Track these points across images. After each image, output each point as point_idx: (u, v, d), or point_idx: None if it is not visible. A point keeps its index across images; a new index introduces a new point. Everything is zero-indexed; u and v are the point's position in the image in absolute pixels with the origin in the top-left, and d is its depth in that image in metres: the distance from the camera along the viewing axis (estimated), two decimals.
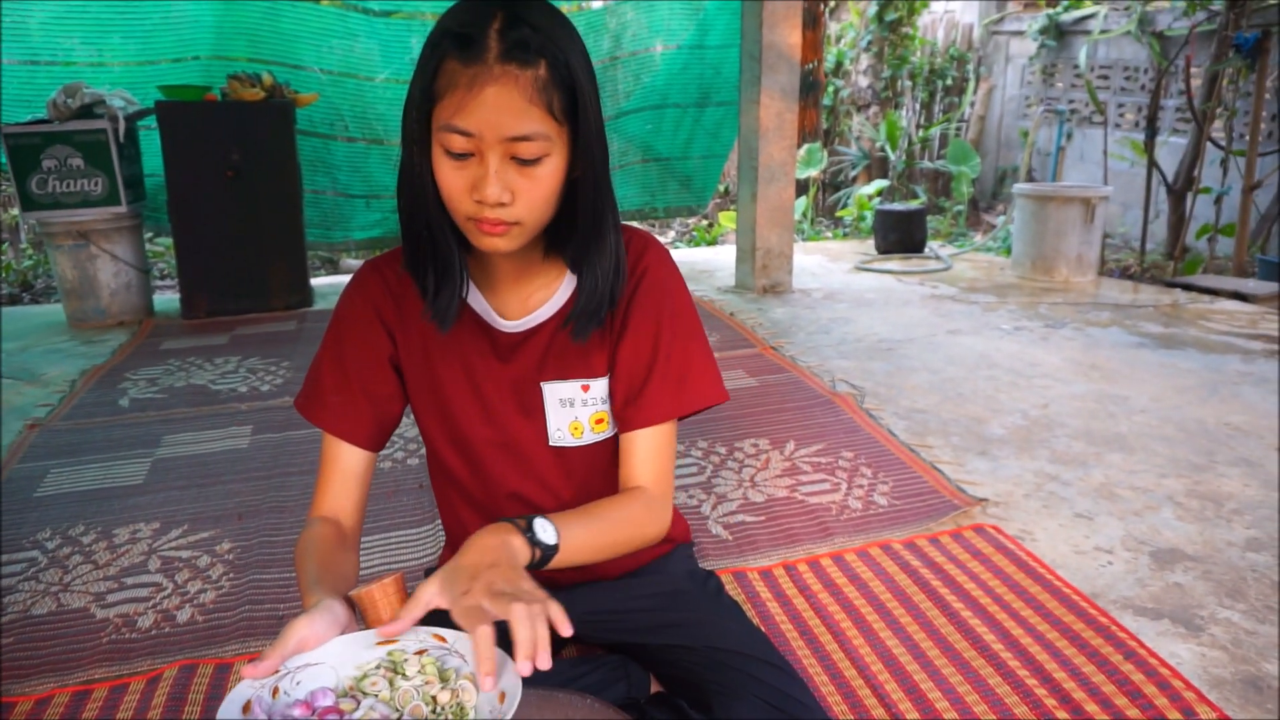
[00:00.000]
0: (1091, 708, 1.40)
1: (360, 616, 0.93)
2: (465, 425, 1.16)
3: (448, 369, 1.14)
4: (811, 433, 2.53)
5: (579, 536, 0.97)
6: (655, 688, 1.29)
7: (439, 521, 2.06)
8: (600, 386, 1.13)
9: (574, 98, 0.92)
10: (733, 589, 1.77)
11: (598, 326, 1.08)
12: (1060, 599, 1.70)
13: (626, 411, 1.10)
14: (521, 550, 0.89)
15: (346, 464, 1.14)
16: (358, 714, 0.78)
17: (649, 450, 1.09)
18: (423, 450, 2.45)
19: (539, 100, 0.89)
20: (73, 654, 1.61)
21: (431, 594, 0.85)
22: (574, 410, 1.14)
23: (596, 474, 1.19)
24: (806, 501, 2.13)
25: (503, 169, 0.91)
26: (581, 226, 1.01)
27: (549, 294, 1.12)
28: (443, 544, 1.91)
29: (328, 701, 0.79)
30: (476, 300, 1.12)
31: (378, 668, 0.84)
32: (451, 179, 0.93)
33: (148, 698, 1.49)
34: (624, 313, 1.10)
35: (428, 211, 0.98)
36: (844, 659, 1.56)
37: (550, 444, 1.16)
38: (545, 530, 0.93)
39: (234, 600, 1.77)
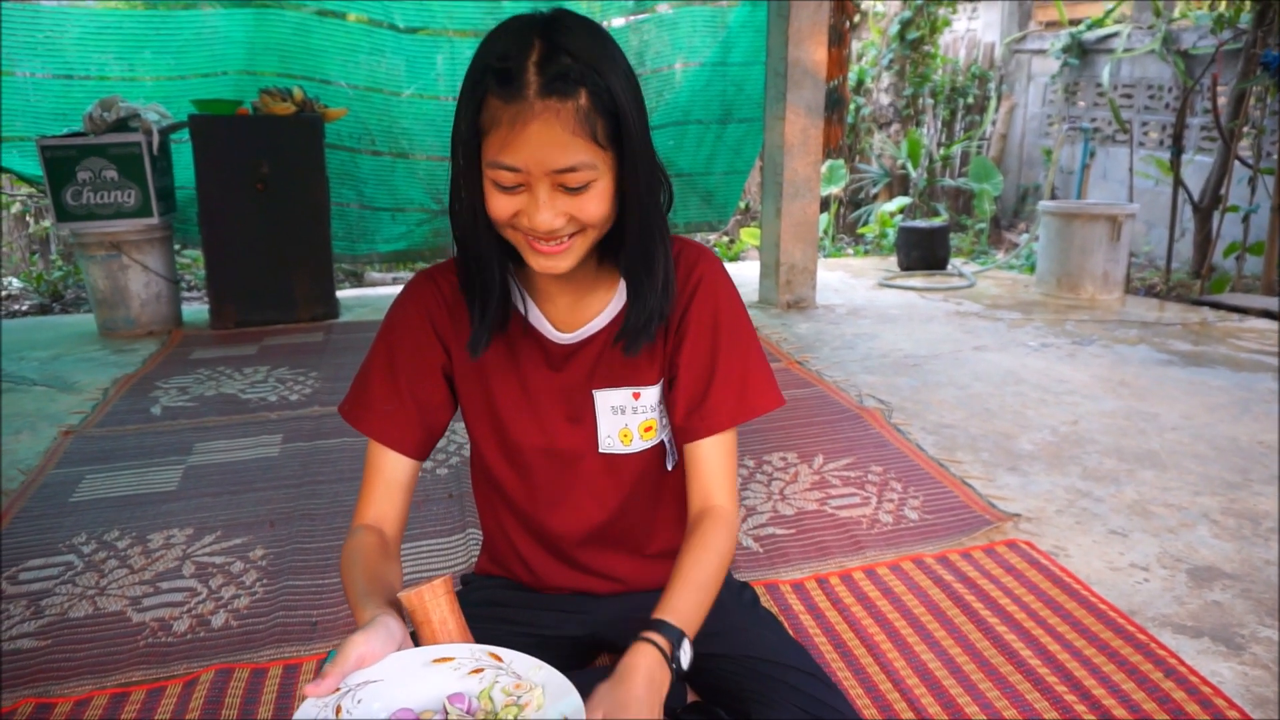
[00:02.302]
0: None
1: (407, 619, 0.94)
2: (517, 433, 1.17)
3: (501, 379, 1.15)
4: (840, 446, 2.53)
5: (698, 617, 1.03)
6: (691, 697, 1.28)
7: (469, 531, 2.07)
8: (651, 394, 1.14)
9: (617, 121, 0.93)
10: (764, 601, 1.76)
11: (648, 341, 1.09)
12: (1097, 615, 1.68)
13: (690, 421, 1.10)
14: (666, 684, 0.95)
15: (392, 472, 1.14)
16: None
17: (716, 462, 1.10)
18: (452, 460, 2.46)
19: (582, 131, 0.90)
20: (110, 656, 1.63)
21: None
22: (624, 418, 1.15)
23: (644, 482, 1.19)
24: (837, 515, 2.12)
25: (552, 198, 0.93)
26: (630, 245, 1.02)
27: (602, 305, 1.13)
28: (476, 553, 1.91)
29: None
30: (531, 312, 1.13)
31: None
32: (503, 207, 0.95)
33: (185, 701, 1.50)
34: (679, 323, 1.11)
35: (479, 245, 1.01)
36: (879, 672, 1.55)
37: (600, 451, 1.16)
38: (685, 654, 0.99)
39: (268, 606, 1.78)
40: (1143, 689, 1.47)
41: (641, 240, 1.01)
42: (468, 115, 0.92)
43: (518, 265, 1.11)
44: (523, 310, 1.13)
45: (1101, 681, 1.50)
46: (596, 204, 0.95)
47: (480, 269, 1.03)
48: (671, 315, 1.11)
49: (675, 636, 0.97)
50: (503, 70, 0.89)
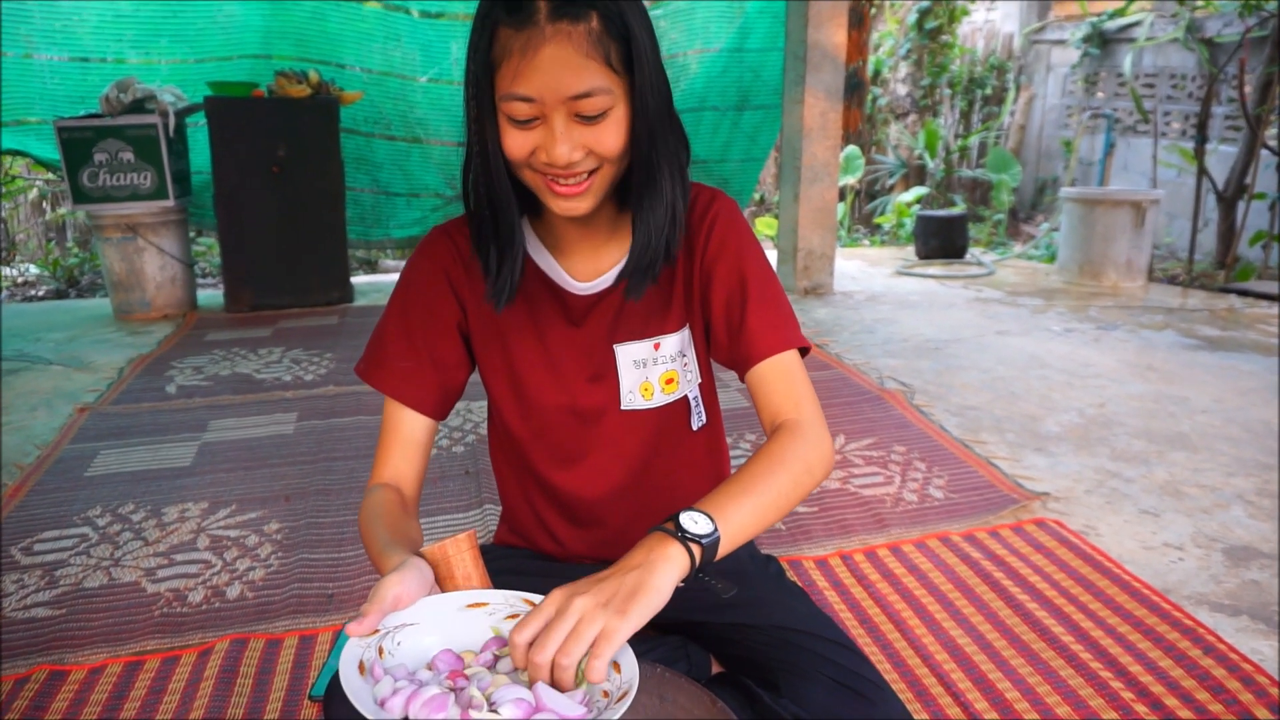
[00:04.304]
0: (1171, 701, 1.35)
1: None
2: (537, 392, 1.13)
3: (519, 336, 1.12)
4: (861, 427, 2.48)
5: (739, 511, 0.87)
6: (716, 668, 1.25)
7: (486, 506, 2.04)
8: (671, 343, 1.10)
9: (629, 46, 0.90)
10: (789, 576, 1.72)
11: (652, 282, 1.05)
12: (1130, 593, 1.64)
13: (735, 352, 1.06)
14: (676, 558, 0.80)
15: (409, 431, 1.11)
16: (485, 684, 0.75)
17: (776, 380, 1.02)
18: (468, 438, 2.43)
19: (595, 54, 0.87)
20: (125, 626, 1.61)
21: (554, 597, 0.78)
22: (645, 371, 1.11)
23: (666, 440, 1.15)
24: (860, 494, 2.08)
25: (569, 129, 0.90)
26: (635, 174, 0.98)
27: (621, 253, 1.09)
28: (494, 527, 1.88)
29: (454, 663, 0.77)
30: (547, 263, 1.10)
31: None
32: (520, 144, 0.92)
33: (199, 669, 1.47)
34: (701, 262, 1.08)
35: (491, 185, 0.96)
36: (907, 648, 1.51)
37: (622, 408, 1.12)
38: (695, 522, 0.84)
39: (283, 578, 1.76)
40: (1181, 666, 1.43)
41: (647, 168, 0.97)
42: (478, 51, 0.90)
43: (533, 217, 1.08)
44: (539, 262, 1.10)
45: (1138, 659, 1.45)
46: (614, 134, 0.92)
47: (496, 215, 0.99)
48: (694, 256, 1.07)
49: (677, 512, 0.85)
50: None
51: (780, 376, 1.03)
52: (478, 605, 0.84)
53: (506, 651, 0.81)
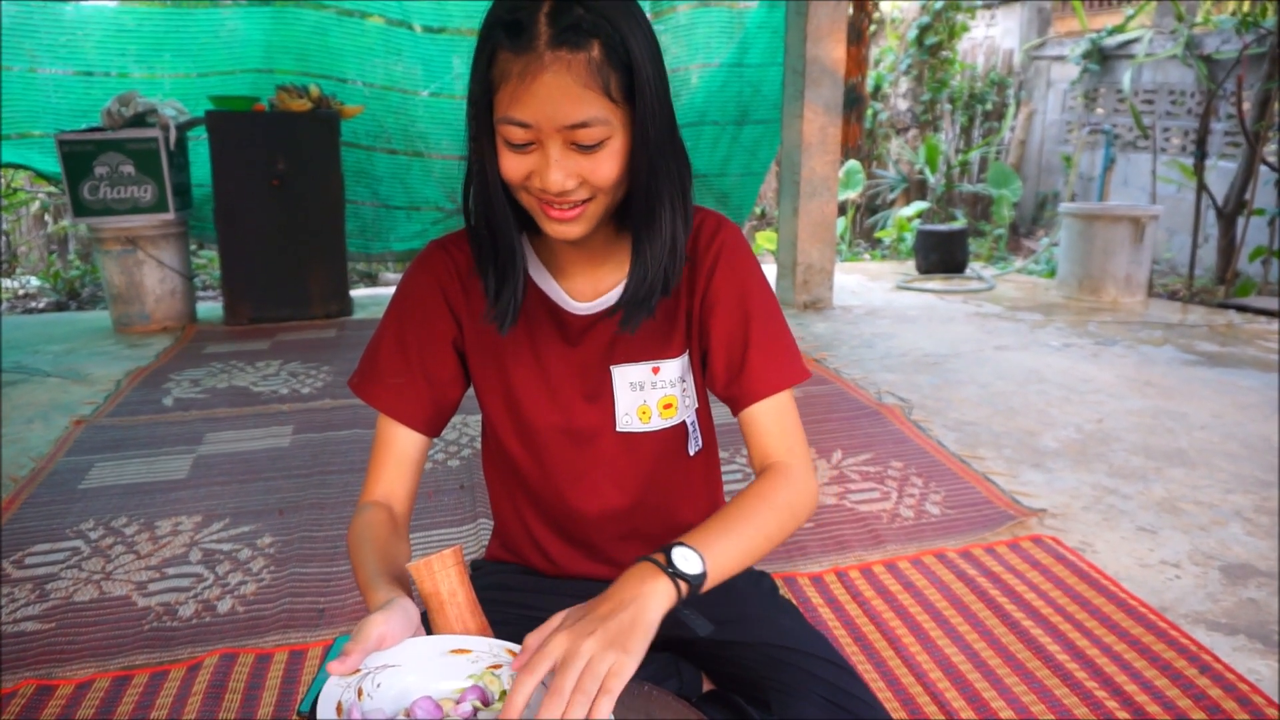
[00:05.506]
0: None
1: (415, 591, 0.90)
2: (531, 411, 1.12)
3: (515, 354, 1.11)
4: (858, 442, 2.48)
5: (726, 550, 0.90)
6: (706, 686, 1.23)
7: (480, 521, 2.03)
8: (671, 369, 1.09)
9: (632, 75, 0.89)
10: (782, 593, 1.71)
11: (648, 316, 1.05)
12: (1126, 611, 1.63)
13: (733, 390, 1.05)
14: (664, 593, 0.83)
15: (401, 448, 1.10)
16: None
17: (770, 422, 1.04)
18: (464, 452, 2.42)
19: (594, 84, 0.86)
20: (114, 640, 1.60)
21: (549, 627, 0.80)
22: (643, 394, 1.10)
23: (664, 464, 1.14)
24: (856, 509, 2.07)
25: (564, 157, 0.89)
26: (634, 204, 0.98)
27: (619, 274, 1.08)
28: (487, 541, 1.87)
29: (433, 712, 0.77)
30: (546, 283, 1.09)
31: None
32: (515, 168, 0.92)
33: (188, 685, 1.46)
34: (705, 292, 1.07)
35: (490, 205, 0.96)
36: (900, 665, 1.50)
37: (618, 430, 1.11)
38: (686, 560, 0.86)
39: (274, 593, 1.75)
40: (1177, 685, 1.41)
41: (647, 200, 0.96)
42: (478, 72, 0.89)
43: (533, 235, 1.08)
44: (538, 281, 1.09)
45: (1133, 678, 1.44)
46: (610, 165, 0.91)
47: (494, 236, 0.99)
48: (695, 284, 1.07)
49: (669, 546, 0.87)
50: (513, 22, 0.86)
51: (774, 419, 1.04)
52: (461, 651, 0.83)
53: (486, 707, 0.81)
